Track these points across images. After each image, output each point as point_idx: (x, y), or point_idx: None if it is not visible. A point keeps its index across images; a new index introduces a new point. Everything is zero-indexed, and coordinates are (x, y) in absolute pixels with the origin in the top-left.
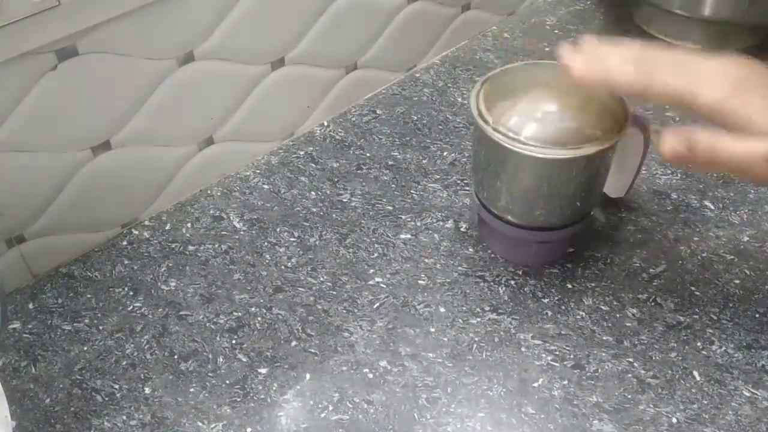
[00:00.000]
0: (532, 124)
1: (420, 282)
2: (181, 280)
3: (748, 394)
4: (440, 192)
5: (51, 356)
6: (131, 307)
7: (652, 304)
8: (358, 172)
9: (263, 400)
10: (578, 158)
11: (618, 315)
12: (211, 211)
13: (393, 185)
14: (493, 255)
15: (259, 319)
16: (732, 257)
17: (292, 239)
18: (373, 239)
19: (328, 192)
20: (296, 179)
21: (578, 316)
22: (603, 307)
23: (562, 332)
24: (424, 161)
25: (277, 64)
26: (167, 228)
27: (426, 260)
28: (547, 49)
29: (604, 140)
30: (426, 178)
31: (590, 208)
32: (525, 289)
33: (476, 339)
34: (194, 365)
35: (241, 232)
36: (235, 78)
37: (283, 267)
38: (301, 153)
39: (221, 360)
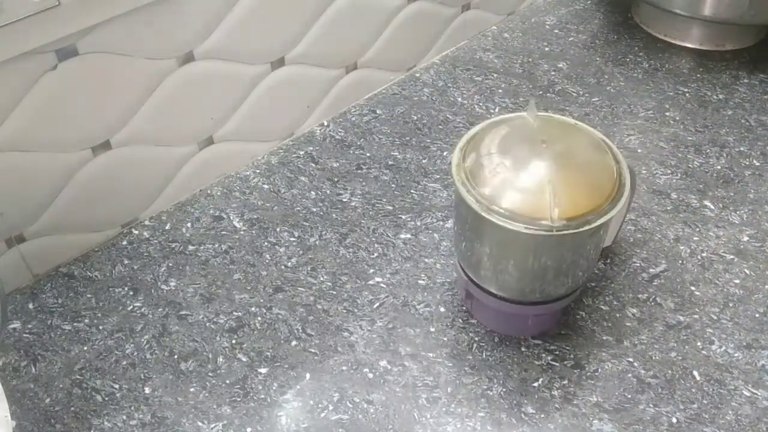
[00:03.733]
0: (521, 197)
1: (420, 282)
2: (181, 279)
3: (748, 394)
4: (440, 192)
5: (51, 356)
6: (131, 307)
7: (652, 304)
8: (358, 171)
9: (263, 400)
10: (571, 235)
11: (618, 315)
12: (211, 211)
13: (393, 185)
14: None
15: (259, 319)
16: (732, 257)
17: (292, 239)
18: (373, 239)
19: (328, 192)
20: (296, 179)
21: (578, 316)
22: (603, 307)
23: (562, 332)
24: (424, 161)
25: (277, 64)
26: (167, 228)
27: (426, 260)
28: (547, 48)
29: (599, 214)
30: (426, 178)
31: (585, 277)
32: None
33: (476, 339)
34: (194, 365)
35: (241, 232)
36: (235, 78)
37: (283, 267)
38: (301, 153)
39: (221, 360)
